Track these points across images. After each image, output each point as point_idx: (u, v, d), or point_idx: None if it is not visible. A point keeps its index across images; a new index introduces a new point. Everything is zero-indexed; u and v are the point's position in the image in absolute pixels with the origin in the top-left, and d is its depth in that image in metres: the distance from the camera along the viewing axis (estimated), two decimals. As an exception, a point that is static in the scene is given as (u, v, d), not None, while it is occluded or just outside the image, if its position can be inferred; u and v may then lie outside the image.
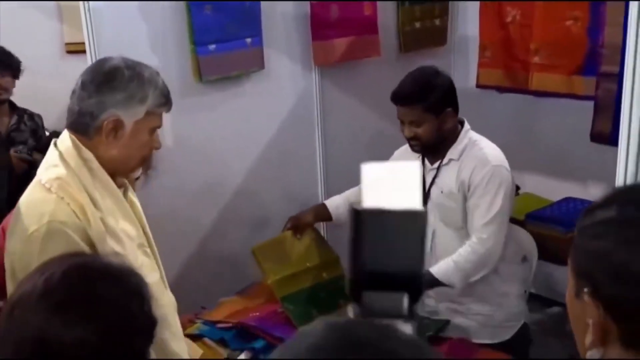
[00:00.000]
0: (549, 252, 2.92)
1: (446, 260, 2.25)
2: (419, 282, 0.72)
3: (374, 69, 3.22)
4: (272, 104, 2.91)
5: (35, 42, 3.82)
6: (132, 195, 1.72)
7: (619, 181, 1.30)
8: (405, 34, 3.31)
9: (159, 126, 1.65)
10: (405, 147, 2.43)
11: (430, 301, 2.40)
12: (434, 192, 2.34)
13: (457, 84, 3.63)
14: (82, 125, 1.55)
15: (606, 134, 3.05)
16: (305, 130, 3.06)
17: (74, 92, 1.57)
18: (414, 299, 0.71)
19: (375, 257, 0.72)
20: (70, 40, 3.88)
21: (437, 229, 2.34)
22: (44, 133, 3.37)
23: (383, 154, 3.42)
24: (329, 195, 3.15)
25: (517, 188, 3.42)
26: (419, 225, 0.73)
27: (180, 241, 2.67)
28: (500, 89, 3.44)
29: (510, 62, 3.34)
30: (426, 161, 2.38)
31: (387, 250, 0.72)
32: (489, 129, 3.57)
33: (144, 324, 1.06)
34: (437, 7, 3.40)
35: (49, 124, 3.72)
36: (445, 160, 2.32)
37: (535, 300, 3.01)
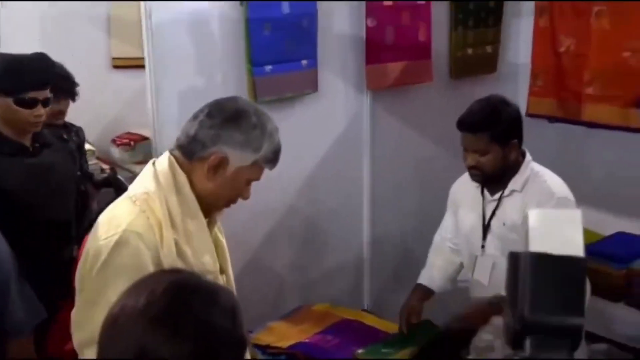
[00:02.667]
0: (599, 288, 2.84)
1: None
2: (580, 330, 0.69)
3: (424, 95, 3.19)
4: (323, 126, 2.89)
5: (82, 54, 3.83)
6: (218, 231, 1.72)
7: None
8: (456, 60, 3.28)
9: (258, 179, 1.65)
10: (465, 178, 2.40)
11: (486, 335, 2.34)
12: (495, 224, 2.30)
13: (506, 112, 3.62)
14: (190, 149, 1.57)
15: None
16: (354, 154, 3.04)
17: (196, 117, 1.59)
18: (574, 346, 0.69)
19: (536, 304, 0.69)
20: (117, 55, 3.90)
21: (496, 262, 2.29)
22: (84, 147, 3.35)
23: (430, 180, 3.40)
24: (374, 219, 3.13)
25: (566, 220, 3.36)
26: (579, 272, 0.70)
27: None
28: (551, 119, 3.39)
29: (563, 92, 3.29)
30: (485, 192, 2.33)
31: (548, 297, 0.69)
32: (538, 159, 3.51)
33: (235, 343, 1.06)
34: (489, 34, 3.36)
35: (93, 137, 3.74)
36: (506, 192, 2.27)
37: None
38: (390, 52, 2.93)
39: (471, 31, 3.28)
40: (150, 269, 1.44)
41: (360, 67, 2.92)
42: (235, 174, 1.58)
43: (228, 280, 1.72)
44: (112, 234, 1.47)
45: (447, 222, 2.55)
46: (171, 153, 1.61)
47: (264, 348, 2.29)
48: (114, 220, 1.51)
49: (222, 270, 1.69)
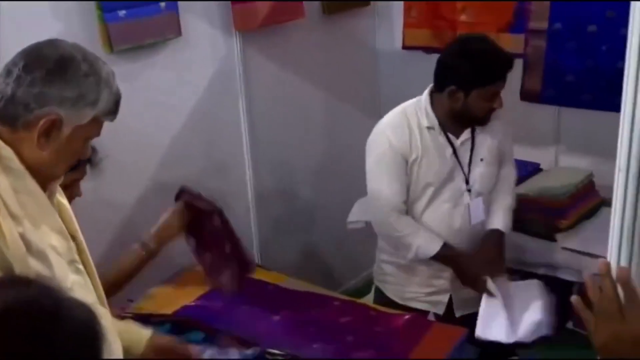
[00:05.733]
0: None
1: (498, 212, 2.33)
2: None
3: (297, 33, 3.05)
4: (191, 72, 2.70)
5: None
6: (60, 197, 1.46)
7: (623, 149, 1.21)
8: (328, -6, 3.14)
9: (98, 135, 1.40)
10: (399, 128, 2.23)
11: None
12: (474, 162, 2.27)
13: (382, 46, 3.55)
14: (9, 114, 1.29)
15: (536, 91, 3.01)
16: (228, 99, 2.87)
17: (9, 72, 1.29)
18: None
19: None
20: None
21: (482, 199, 2.30)
22: None
23: (308, 119, 3.30)
24: (255, 163, 2.99)
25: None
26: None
27: (101, 224, 2.43)
28: (427, 50, 3.33)
29: (437, 22, 3.24)
30: (450, 135, 2.24)
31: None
32: (417, 91, 3.48)
33: None
34: (359, -34, 3.24)
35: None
36: (478, 130, 2.25)
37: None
38: (256, -11, 2.75)
39: (340, -37, 3.14)
40: None
41: (227, 7, 2.73)
42: (72, 134, 1.32)
43: (80, 245, 1.48)
44: None
45: (398, 184, 2.23)
46: None
47: (146, 317, 2.12)
48: None
49: (73, 237, 1.47)
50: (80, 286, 1.41)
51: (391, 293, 2.42)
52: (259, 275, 2.44)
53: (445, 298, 2.34)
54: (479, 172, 2.27)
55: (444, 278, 2.31)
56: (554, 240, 2.63)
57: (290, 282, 2.43)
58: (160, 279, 2.43)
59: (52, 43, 1.36)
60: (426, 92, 2.27)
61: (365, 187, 3.32)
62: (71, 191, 1.80)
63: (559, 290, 2.21)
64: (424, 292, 2.35)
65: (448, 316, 2.32)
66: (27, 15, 2.16)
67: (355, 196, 3.23)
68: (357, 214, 3.09)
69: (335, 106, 3.39)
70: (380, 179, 2.26)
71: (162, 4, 2.46)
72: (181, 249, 2.71)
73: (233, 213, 2.98)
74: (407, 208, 2.27)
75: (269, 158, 3.07)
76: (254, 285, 2.34)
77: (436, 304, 2.35)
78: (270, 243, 3.13)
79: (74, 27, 2.27)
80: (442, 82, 2.20)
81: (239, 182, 2.99)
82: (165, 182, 2.67)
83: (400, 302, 2.38)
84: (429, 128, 2.22)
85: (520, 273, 2.58)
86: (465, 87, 2.13)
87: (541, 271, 2.53)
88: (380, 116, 3.62)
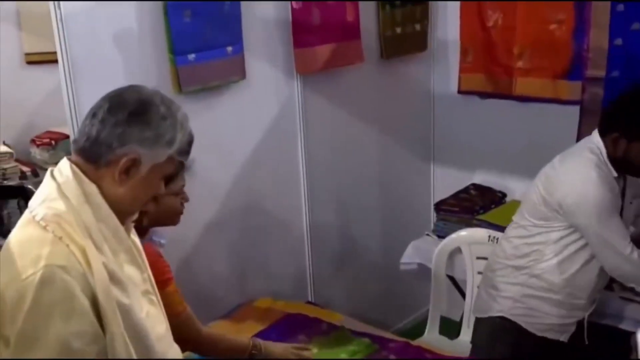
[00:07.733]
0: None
1: None
2: None
3: (356, 76, 3.12)
4: (254, 114, 2.78)
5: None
6: (133, 236, 1.55)
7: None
8: (386, 39, 3.21)
9: (173, 173, 1.52)
10: (601, 174, 2.21)
11: None
12: (626, 204, 2.35)
13: (438, 90, 3.61)
14: (93, 153, 1.40)
15: (593, 139, 3.01)
16: (288, 138, 2.94)
17: (94, 115, 1.40)
18: None
19: None
20: (30, 50, 3.67)
21: None
22: None
23: (363, 159, 3.35)
24: (312, 205, 3.06)
25: (504, 195, 3.36)
26: None
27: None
28: (483, 95, 3.37)
29: (493, 67, 3.28)
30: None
31: None
32: (471, 136, 3.53)
33: None
34: (417, 11, 3.31)
35: (10, 138, 3.53)
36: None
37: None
38: (318, 34, 2.84)
39: (399, 9, 3.21)
40: (82, 300, 1.30)
41: (289, 51, 2.82)
42: (149, 173, 1.42)
43: (149, 280, 1.57)
44: (32, 272, 1.29)
45: (622, 224, 2.29)
46: (70, 160, 1.43)
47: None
48: (29, 253, 1.32)
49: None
50: (154, 316, 1.48)
51: (531, 326, 2.40)
52: (314, 312, 2.48)
53: (574, 325, 2.39)
54: (629, 213, 2.40)
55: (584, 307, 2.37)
56: (611, 289, 2.60)
57: (345, 321, 2.45)
58: (220, 312, 2.49)
59: (132, 88, 1.47)
60: (600, 142, 2.25)
61: (417, 228, 3.36)
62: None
63: (620, 340, 2.19)
64: (570, 321, 2.39)
65: (577, 342, 2.38)
66: (103, 58, 2.29)
67: (406, 236, 3.26)
68: (410, 255, 3.12)
69: (390, 148, 3.44)
70: (610, 228, 2.23)
71: (229, 49, 2.56)
72: (236, 287, 2.79)
73: (290, 251, 3.06)
74: None
75: (325, 195, 3.13)
76: (310, 323, 2.37)
77: (568, 331, 2.39)
78: (322, 278, 3.17)
79: (149, 69, 2.38)
80: (606, 127, 2.22)
81: (296, 217, 3.05)
82: (227, 218, 2.76)
83: (539, 333, 2.39)
84: (616, 178, 2.25)
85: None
86: (629, 135, 2.16)
87: (603, 321, 2.50)
88: (433, 159, 3.68)
